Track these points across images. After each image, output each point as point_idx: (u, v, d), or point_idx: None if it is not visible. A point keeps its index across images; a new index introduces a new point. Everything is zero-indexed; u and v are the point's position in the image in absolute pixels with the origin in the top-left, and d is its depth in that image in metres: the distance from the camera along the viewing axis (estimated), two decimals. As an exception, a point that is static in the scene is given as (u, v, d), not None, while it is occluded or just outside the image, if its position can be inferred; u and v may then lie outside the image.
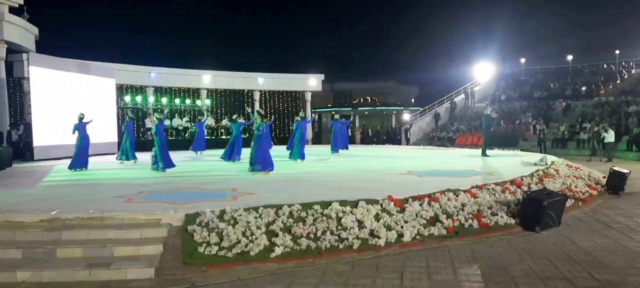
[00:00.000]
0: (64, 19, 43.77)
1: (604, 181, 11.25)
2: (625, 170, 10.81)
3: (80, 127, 13.30)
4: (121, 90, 24.25)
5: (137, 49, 51.59)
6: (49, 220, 6.40)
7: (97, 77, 20.07)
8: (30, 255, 5.71)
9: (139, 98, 25.04)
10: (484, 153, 16.89)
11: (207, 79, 27.67)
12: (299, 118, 16.75)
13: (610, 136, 20.04)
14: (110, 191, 8.99)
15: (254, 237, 6.03)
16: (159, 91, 26.40)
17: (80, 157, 13.27)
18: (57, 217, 6.44)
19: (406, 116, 36.75)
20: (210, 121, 26.73)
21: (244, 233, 6.09)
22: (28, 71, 17.44)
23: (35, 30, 20.43)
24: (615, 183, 10.68)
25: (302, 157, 14.98)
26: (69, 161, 13.40)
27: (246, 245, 5.86)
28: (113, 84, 21.37)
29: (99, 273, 5.32)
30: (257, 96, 29.40)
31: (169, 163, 12.64)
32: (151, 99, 25.66)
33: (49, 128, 17.14)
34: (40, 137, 16.81)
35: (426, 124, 34.35)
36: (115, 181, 10.77)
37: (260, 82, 29.24)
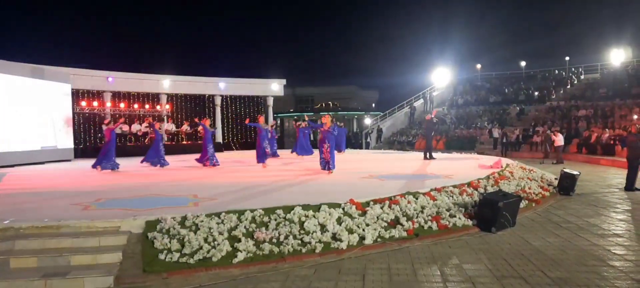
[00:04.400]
0: (16, 22, 42.24)
1: (556, 182, 11.69)
2: (575, 172, 11.28)
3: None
4: (77, 95, 23.55)
5: (93, 52, 50.29)
6: (1, 230, 6.15)
7: (52, 81, 19.42)
8: (-19, 266, 5.50)
9: (95, 103, 24.38)
10: (425, 157, 17.37)
11: (166, 83, 27.18)
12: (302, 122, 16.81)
13: (559, 140, 20.89)
14: (66, 198, 8.70)
15: (216, 242, 5.98)
16: (117, 96, 25.75)
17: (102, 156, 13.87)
18: (10, 226, 6.20)
19: (368, 120, 37.18)
20: (169, 126, 26.25)
21: (205, 240, 6.04)
22: (-24, 75, 16.66)
23: (-16, 33, 19.62)
24: (566, 184, 11.12)
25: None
26: (18, 168, 12.97)
27: (208, 251, 5.80)
28: (69, 89, 20.72)
29: (55, 283, 5.17)
30: (218, 101, 29.05)
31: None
32: (108, 104, 25.01)
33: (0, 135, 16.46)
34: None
35: (386, 129, 34.78)
36: (71, 188, 10.45)
37: (222, 86, 28.93)
